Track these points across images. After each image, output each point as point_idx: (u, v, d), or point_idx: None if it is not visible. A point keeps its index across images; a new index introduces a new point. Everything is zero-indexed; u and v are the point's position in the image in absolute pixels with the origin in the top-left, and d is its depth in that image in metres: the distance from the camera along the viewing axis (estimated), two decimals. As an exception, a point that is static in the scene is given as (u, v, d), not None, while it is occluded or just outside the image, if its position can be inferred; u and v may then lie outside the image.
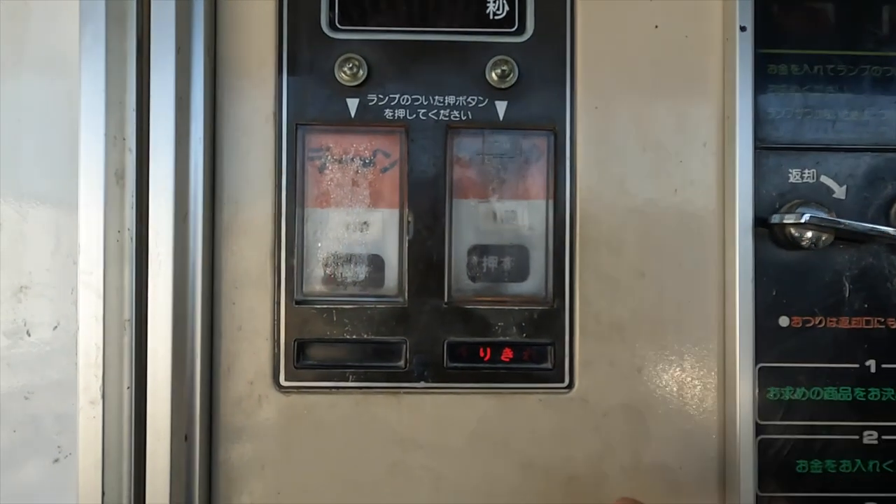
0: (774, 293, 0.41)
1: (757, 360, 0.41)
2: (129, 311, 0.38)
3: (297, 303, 0.41)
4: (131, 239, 0.39)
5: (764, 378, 0.41)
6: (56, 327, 0.41)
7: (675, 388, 0.42)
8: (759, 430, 0.41)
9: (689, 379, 0.42)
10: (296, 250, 0.41)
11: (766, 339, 0.41)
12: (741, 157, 0.41)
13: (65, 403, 0.40)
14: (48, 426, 0.41)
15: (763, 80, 0.41)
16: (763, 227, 0.41)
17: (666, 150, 0.42)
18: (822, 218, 0.39)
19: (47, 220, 0.41)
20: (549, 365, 0.42)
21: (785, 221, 0.40)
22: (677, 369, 0.42)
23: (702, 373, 0.42)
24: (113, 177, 0.38)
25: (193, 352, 0.39)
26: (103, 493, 0.38)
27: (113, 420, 0.38)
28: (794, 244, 0.40)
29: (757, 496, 0.41)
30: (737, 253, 0.41)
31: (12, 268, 0.41)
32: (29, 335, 0.41)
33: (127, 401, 0.38)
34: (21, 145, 0.41)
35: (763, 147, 0.41)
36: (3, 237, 0.41)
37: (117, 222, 0.38)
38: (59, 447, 0.41)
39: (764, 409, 0.41)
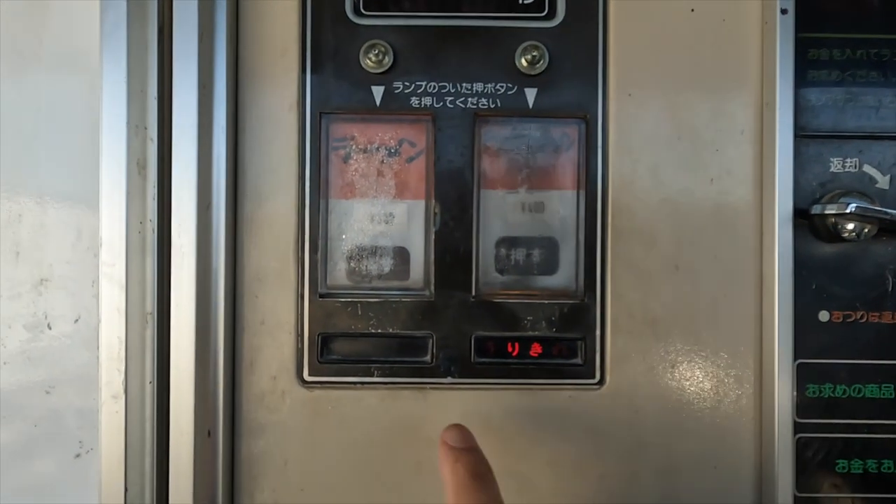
0: (814, 287, 0.40)
1: (796, 356, 0.40)
2: (151, 303, 0.38)
3: (321, 296, 0.40)
4: (153, 231, 0.38)
5: (803, 375, 0.40)
6: (77, 320, 0.40)
7: (709, 385, 0.41)
8: (797, 428, 0.40)
9: (724, 375, 0.41)
10: (319, 242, 0.40)
11: (806, 335, 0.40)
12: (781, 145, 0.39)
13: (86, 398, 0.40)
14: (69, 421, 0.40)
15: (804, 65, 0.40)
16: (803, 218, 0.39)
17: (702, 138, 0.40)
18: (866, 208, 0.38)
19: (68, 211, 0.40)
20: (579, 360, 0.41)
21: (827, 212, 0.38)
22: (712, 365, 0.41)
23: (738, 369, 0.41)
24: (135, 167, 0.37)
25: (216, 346, 0.39)
26: (126, 489, 0.37)
27: (135, 415, 0.37)
28: (835, 236, 0.39)
29: (795, 497, 0.40)
30: (776, 245, 0.39)
31: (33, 260, 0.40)
32: (50, 328, 0.40)
33: (149, 396, 0.38)
34: (41, 136, 0.40)
35: (803, 135, 0.40)
36: (24, 229, 0.40)
37: (139, 213, 0.38)
38: (80, 442, 0.40)
39: (802, 406, 0.40)
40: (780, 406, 0.39)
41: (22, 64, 0.40)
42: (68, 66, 0.40)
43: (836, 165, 0.40)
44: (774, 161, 0.39)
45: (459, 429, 0.34)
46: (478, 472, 0.31)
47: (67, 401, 0.40)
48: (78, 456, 0.40)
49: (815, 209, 0.39)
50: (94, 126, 0.38)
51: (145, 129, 0.38)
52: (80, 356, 0.40)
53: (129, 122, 0.37)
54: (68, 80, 0.40)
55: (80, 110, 0.40)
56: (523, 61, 0.40)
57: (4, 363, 0.40)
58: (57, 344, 0.40)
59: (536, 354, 0.41)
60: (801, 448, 0.40)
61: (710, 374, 0.41)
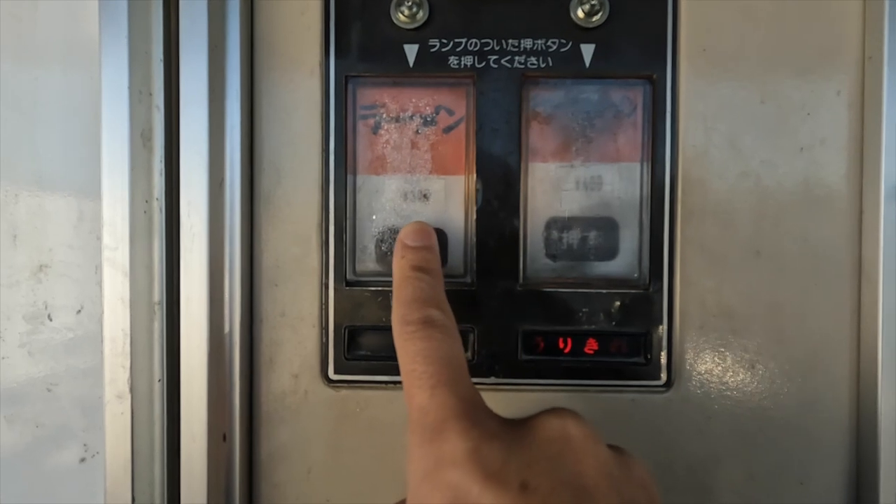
0: (923, 274, 0.34)
1: (901, 355, 0.34)
2: (159, 292, 0.33)
3: (348, 284, 0.36)
4: (160, 210, 0.34)
5: (908, 377, 0.34)
6: (80, 311, 0.36)
7: (796, 388, 0.35)
8: (901, 439, 0.34)
9: (813, 377, 0.35)
10: (346, 224, 0.36)
11: (913, 331, 0.34)
12: (888, 107, 0.33)
13: (91, 397, 0.36)
14: (73, 422, 0.36)
15: (915, 11, 0.33)
16: (912, 193, 0.33)
17: (790, 100, 0.34)
18: None
19: (68, 190, 0.36)
20: (642, 359, 0.35)
21: (945, 185, 0.32)
22: (799, 365, 0.35)
23: (830, 369, 0.35)
24: (139, 138, 0.33)
25: (232, 340, 0.34)
26: (133, 499, 0.33)
27: (143, 417, 0.33)
28: (951, 214, 0.33)
29: (898, 519, 0.34)
30: (880, 225, 0.33)
31: (31, 244, 0.36)
32: (51, 320, 0.36)
33: (158, 395, 0.34)
34: (40, 111, 0.36)
35: (914, 95, 0.33)
36: (21, 210, 0.36)
37: (145, 191, 0.33)
38: (85, 445, 0.36)
39: (908, 414, 0.34)
40: (883, 413, 0.33)
41: (19, 38, 0.36)
42: (68, 40, 0.36)
43: (953, 130, 0.34)
44: (880, 126, 0.33)
45: (417, 227, 0.32)
46: (420, 266, 0.31)
47: (71, 400, 0.36)
48: (83, 460, 0.36)
49: (928, 183, 0.33)
50: (95, 99, 0.33)
51: (150, 95, 0.33)
52: (83, 350, 0.36)
53: (131, 88, 0.33)
54: (68, 53, 0.36)
55: (80, 83, 0.36)
56: (580, 12, 0.34)
57: (3, 358, 0.37)
58: (59, 337, 0.36)
59: (592, 352, 0.35)
60: (905, 463, 0.34)
61: (797, 376, 0.35)
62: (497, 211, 0.35)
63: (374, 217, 0.36)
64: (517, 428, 0.26)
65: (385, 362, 0.36)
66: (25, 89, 0.37)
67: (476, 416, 0.25)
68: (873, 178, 0.34)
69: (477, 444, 0.24)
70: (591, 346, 0.36)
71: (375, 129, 0.36)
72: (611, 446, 0.27)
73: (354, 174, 0.36)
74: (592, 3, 0.34)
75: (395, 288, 0.31)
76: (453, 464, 0.23)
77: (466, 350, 0.36)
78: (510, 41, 0.35)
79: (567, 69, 0.35)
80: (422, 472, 0.24)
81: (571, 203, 0.36)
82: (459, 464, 0.23)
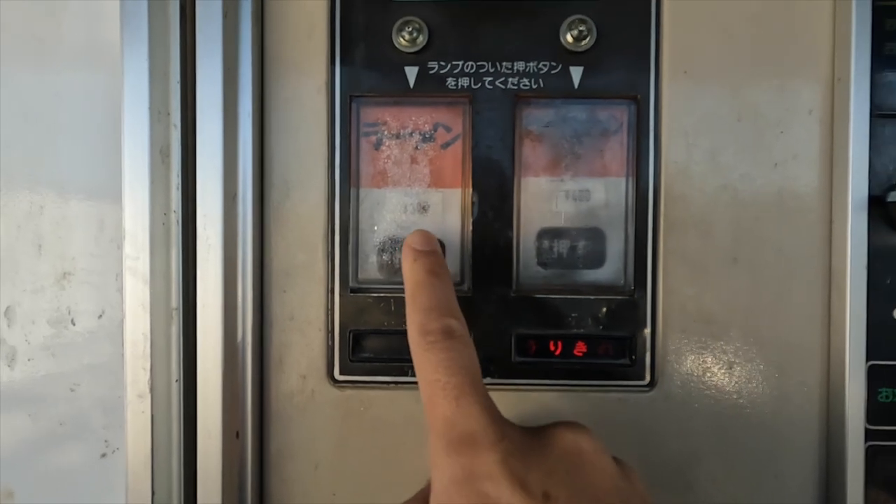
0: (889, 282, 0.36)
1: (868, 357, 0.36)
2: (176, 299, 0.36)
3: (352, 291, 0.38)
4: (178, 222, 0.36)
5: (875, 377, 0.36)
6: (101, 316, 0.38)
7: (770, 388, 0.37)
8: (868, 435, 0.36)
9: (787, 378, 0.37)
10: (350, 234, 0.38)
11: (879, 334, 0.36)
12: (855, 125, 0.35)
13: (111, 396, 0.38)
14: (95, 420, 0.39)
15: (881, 37, 0.36)
16: (878, 206, 0.36)
17: (765, 118, 0.37)
18: (954, 195, 0.34)
19: (90, 202, 0.39)
20: (627, 360, 0.38)
21: (908, 199, 0.35)
22: (774, 367, 0.37)
23: (803, 371, 0.37)
24: (158, 155, 0.36)
25: (244, 343, 0.37)
26: (153, 492, 0.36)
27: (162, 415, 0.36)
28: (914, 226, 0.35)
29: (865, 509, 0.36)
30: (848, 236, 0.36)
31: (55, 253, 0.39)
32: (73, 324, 0.39)
33: (175, 395, 0.36)
34: (62, 126, 0.39)
35: (880, 114, 0.36)
36: (45, 221, 0.39)
37: (163, 204, 0.36)
38: (106, 442, 0.39)
39: (874, 412, 0.36)
40: (850, 412, 0.36)
41: (41, 53, 0.39)
42: (89, 55, 0.39)
43: (916, 148, 0.36)
44: (847, 143, 0.36)
45: (423, 233, 0.34)
46: (434, 270, 0.32)
47: (93, 399, 0.39)
48: (104, 456, 0.39)
49: (892, 196, 0.35)
50: (115, 114, 0.36)
51: (168, 114, 0.36)
52: (104, 353, 0.39)
53: (151, 107, 0.35)
54: (89, 69, 0.39)
55: (101, 98, 0.38)
56: (569, 37, 0.37)
57: (29, 360, 0.39)
58: (81, 340, 0.39)
59: (581, 354, 0.38)
60: (871, 457, 0.36)
61: (772, 377, 0.37)
62: (492, 222, 0.38)
63: (375, 228, 0.39)
64: (535, 438, 0.28)
65: (387, 364, 0.38)
66: (47, 103, 0.39)
67: (501, 429, 0.27)
68: (841, 191, 0.36)
69: (505, 456, 0.26)
70: (580, 348, 0.38)
71: (377, 145, 0.39)
72: (613, 458, 0.29)
73: (358, 187, 0.39)
74: (581, 28, 0.36)
75: (409, 293, 0.31)
76: (487, 476, 0.25)
77: (463, 352, 0.38)
78: (504, 64, 0.37)
79: (557, 90, 0.37)
80: (448, 479, 0.26)
81: (561, 215, 0.38)
82: (492, 476, 0.25)
